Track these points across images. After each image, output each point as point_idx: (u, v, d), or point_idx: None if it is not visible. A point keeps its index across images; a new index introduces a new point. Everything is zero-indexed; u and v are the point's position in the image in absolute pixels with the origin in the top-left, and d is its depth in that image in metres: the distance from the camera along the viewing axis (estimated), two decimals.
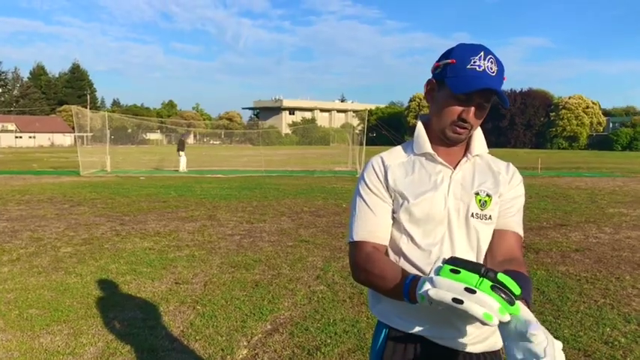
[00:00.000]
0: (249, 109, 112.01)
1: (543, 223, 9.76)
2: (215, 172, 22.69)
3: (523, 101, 78.77)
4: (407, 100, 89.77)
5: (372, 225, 1.56)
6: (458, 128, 1.50)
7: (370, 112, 68.69)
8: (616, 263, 6.66)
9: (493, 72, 1.44)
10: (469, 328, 1.50)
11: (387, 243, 1.58)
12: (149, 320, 4.53)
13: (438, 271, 1.22)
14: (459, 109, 1.48)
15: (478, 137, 1.61)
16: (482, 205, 1.55)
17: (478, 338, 1.53)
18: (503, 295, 1.14)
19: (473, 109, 1.48)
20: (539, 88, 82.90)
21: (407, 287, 1.35)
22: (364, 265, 1.52)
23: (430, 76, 1.57)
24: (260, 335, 4.22)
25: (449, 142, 1.56)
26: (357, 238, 1.57)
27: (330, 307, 4.85)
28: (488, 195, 1.56)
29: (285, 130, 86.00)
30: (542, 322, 4.40)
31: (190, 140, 75.12)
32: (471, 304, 1.13)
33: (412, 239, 1.55)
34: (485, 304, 1.12)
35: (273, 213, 10.73)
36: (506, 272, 1.25)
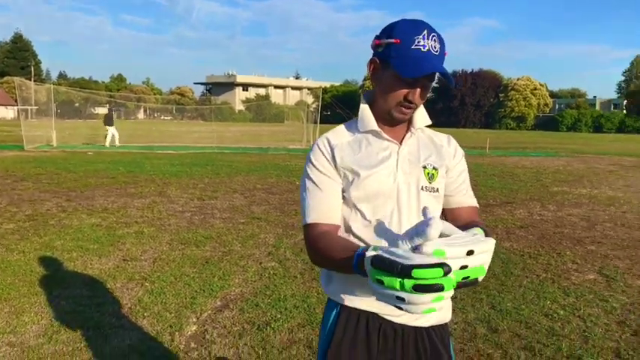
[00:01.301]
0: (202, 84, 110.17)
1: (490, 200, 10.02)
2: (166, 148, 22.28)
3: (473, 82, 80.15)
4: (361, 78, 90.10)
5: (323, 206, 1.55)
6: (404, 109, 1.50)
7: (325, 90, 68.48)
8: (558, 239, 6.91)
9: (437, 51, 1.43)
10: None
11: (339, 222, 1.58)
12: (95, 297, 4.45)
13: (370, 277, 1.16)
14: (404, 90, 1.47)
15: (420, 111, 1.60)
16: (430, 178, 1.58)
17: None
18: (431, 287, 1.05)
19: (418, 90, 1.48)
20: (489, 68, 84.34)
21: (357, 259, 1.31)
22: (317, 246, 1.52)
23: (371, 52, 1.55)
24: (209, 311, 4.20)
25: (394, 122, 1.57)
26: (309, 220, 1.56)
27: (281, 284, 4.87)
28: (434, 168, 1.59)
29: (239, 106, 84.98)
30: (487, 297, 4.56)
31: (140, 115, 73.38)
32: (407, 307, 1.09)
33: (362, 215, 1.55)
34: (417, 303, 1.07)
35: (225, 190, 10.64)
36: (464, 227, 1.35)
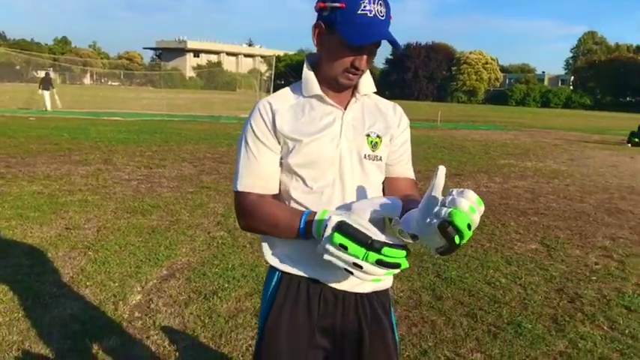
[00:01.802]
0: (151, 49, 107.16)
1: None
2: (113, 114, 21.61)
3: (427, 54, 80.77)
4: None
5: (259, 174, 1.51)
6: (350, 75, 1.47)
7: (278, 58, 67.70)
8: (503, 210, 7.09)
9: (383, 15, 1.40)
10: None
11: (274, 191, 1.54)
12: (36, 267, 4.29)
13: (329, 239, 1.25)
14: (351, 57, 1.44)
15: (365, 77, 1.57)
16: (374, 146, 1.56)
17: None
18: (391, 264, 1.22)
19: (365, 56, 1.45)
20: (442, 41, 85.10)
21: (304, 223, 1.38)
22: (255, 212, 1.49)
23: (315, 15, 1.50)
24: (155, 281, 4.12)
25: (339, 88, 1.53)
26: (241, 188, 1.52)
27: (229, 253, 4.82)
28: (378, 136, 1.57)
29: (190, 73, 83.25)
30: (432, 265, 4.64)
31: (87, 80, 70.96)
32: (359, 274, 1.23)
33: (303, 182, 1.52)
34: (372, 273, 1.22)
35: (174, 158, 10.43)
36: (407, 203, 1.40)
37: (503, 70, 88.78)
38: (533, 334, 3.46)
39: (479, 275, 4.53)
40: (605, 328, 3.62)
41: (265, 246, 1.62)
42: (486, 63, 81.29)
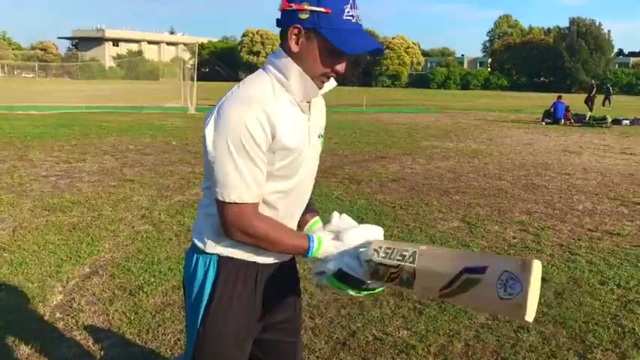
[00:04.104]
0: (67, 38, 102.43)
1: (365, 156, 10.35)
2: (27, 108, 20.50)
3: None
4: (240, 34, 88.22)
5: (258, 184, 1.45)
6: (325, 79, 1.49)
7: (202, 45, 66.39)
8: (426, 191, 7.30)
9: (360, 19, 1.44)
10: None
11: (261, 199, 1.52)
12: None
13: (329, 281, 1.52)
14: (332, 61, 1.45)
15: None
16: (323, 143, 1.69)
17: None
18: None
19: (346, 63, 1.47)
20: (366, 28, 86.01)
21: (310, 251, 1.51)
22: (259, 227, 1.47)
23: (279, 14, 1.46)
24: (77, 279, 3.98)
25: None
26: (247, 200, 1.44)
27: (155, 246, 4.72)
28: (322, 135, 1.68)
29: (109, 63, 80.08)
30: None
31: None
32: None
33: (281, 185, 1.54)
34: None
35: (95, 152, 10.06)
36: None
37: (424, 54, 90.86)
38: (456, 308, 3.59)
39: None
40: None
41: (200, 232, 1.60)
42: (408, 47, 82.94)
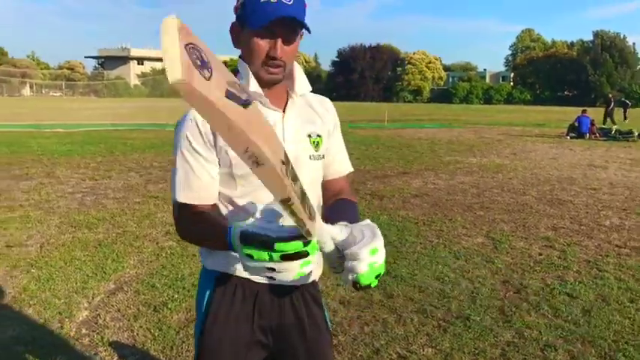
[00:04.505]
0: (93, 58, 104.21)
1: (388, 171, 10.32)
2: (55, 126, 20.92)
3: (372, 56, 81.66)
4: None
5: (196, 186, 1.47)
6: (270, 68, 1.43)
7: (225, 63, 67.06)
8: (450, 206, 7.24)
9: (290, 0, 1.37)
10: None
11: (212, 201, 1.51)
12: None
13: (241, 253, 1.20)
14: (264, 46, 1.41)
15: (299, 76, 1.56)
16: (316, 146, 1.58)
17: None
18: (297, 255, 1.15)
19: (279, 43, 1.40)
20: (386, 43, 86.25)
21: (230, 238, 1.28)
22: (189, 227, 1.48)
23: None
24: (102, 295, 4.03)
25: (267, 84, 1.48)
26: (180, 199, 1.48)
27: (178, 263, 4.75)
28: (319, 135, 1.59)
29: (134, 81, 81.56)
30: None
31: (26, 92, 68.58)
32: (279, 276, 1.17)
33: (247, 191, 1.50)
34: (287, 270, 1.15)
35: (120, 169, 10.20)
36: (334, 203, 1.58)
37: (446, 68, 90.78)
38: (482, 326, 3.55)
39: (428, 271, 4.61)
40: (550, 316, 3.75)
41: (203, 254, 1.62)
42: (430, 62, 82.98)
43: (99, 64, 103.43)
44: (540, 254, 5.19)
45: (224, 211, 1.54)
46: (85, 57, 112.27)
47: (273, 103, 1.52)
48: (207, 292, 1.59)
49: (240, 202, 1.52)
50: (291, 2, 1.36)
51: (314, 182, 1.60)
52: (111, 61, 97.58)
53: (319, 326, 1.67)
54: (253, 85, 1.46)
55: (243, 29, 1.44)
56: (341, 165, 1.72)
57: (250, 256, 1.16)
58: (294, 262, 1.15)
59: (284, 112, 1.53)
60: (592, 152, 14.56)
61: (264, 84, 1.48)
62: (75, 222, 6.11)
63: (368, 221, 1.32)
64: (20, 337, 3.35)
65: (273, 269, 1.16)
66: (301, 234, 1.14)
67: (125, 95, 59.42)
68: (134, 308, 3.80)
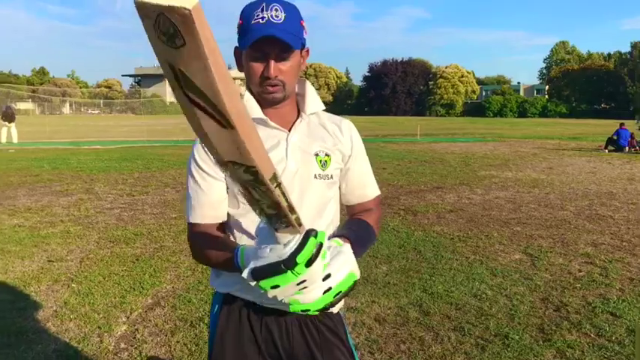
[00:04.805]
0: (130, 76, 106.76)
1: (421, 186, 10.24)
2: (93, 143, 21.47)
3: (404, 70, 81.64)
4: None
5: (206, 206, 1.50)
6: (268, 87, 1.45)
7: None
8: (485, 222, 7.14)
9: (279, 19, 1.37)
10: None
11: (222, 219, 1.53)
12: (18, 302, 4.23)
13: (263, 289, 1.15)
14: (258, 67, 1.43)
15: (310, 95, 1.57)
16: (323, 165, 1.55)
17: None
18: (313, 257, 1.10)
19: (272, 64, 1.41)
20: (418, 57, 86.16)
21: (237, 264, 1.30)
22: (200, 247, 1.50)
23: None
24: (140, 310, 4.08)
25: (270, 104, 1.50)
26: (192, 220, 1.51)
27: None
28: (327, 155, 1.56)
29: (170, 98, 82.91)
30: (419, 281, 4.65)
31: (66, 110, 70.53)
32: (313, 290, 1.17)
33: (248, 207, 1.51)
34: (318, 279, 1.16)
35: (157, 184, 10.37)
36: (349, 220, 1.59)
37: (479, 82, 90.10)
38: (521, 344, 3.48)
39: (465, 288, 4.54)
40: (592, 335, 3.65)
41: (212, 273, 1.63)
42: (462, 76, 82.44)
43: (135, 82, 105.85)
44: (580, 271, 5.07)
45: (230, 229, 1.55)
46: (123, 75, 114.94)
47: (280, 122, 1.53)
48: (215, 313, 1.60)
49: (243, 220, 1.52)
50: (281, 20, 1.37)
51: (320, 202, 1.55)
52: (147, 79, 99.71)
53: (336, 357, 1.58)
54: (254, 110, 1.49)
55: (241, 54, 1.46)
56: (366, 188, 1.67)
57: (277, 286, 1.12)
58: (316, 264, 1.10)
59: (290, 130, 1.53)
60: (632, 166, 14.20)
61: (268, 104, 1.50)
62: (113, 237, 6.23)
63: (345, 248, 1.29)
64: (62, 350, 3.41)
65: (304, 281, 1.12)
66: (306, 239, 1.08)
67: (161, 113, 60.53)
68: (171, 323, 3.84)
